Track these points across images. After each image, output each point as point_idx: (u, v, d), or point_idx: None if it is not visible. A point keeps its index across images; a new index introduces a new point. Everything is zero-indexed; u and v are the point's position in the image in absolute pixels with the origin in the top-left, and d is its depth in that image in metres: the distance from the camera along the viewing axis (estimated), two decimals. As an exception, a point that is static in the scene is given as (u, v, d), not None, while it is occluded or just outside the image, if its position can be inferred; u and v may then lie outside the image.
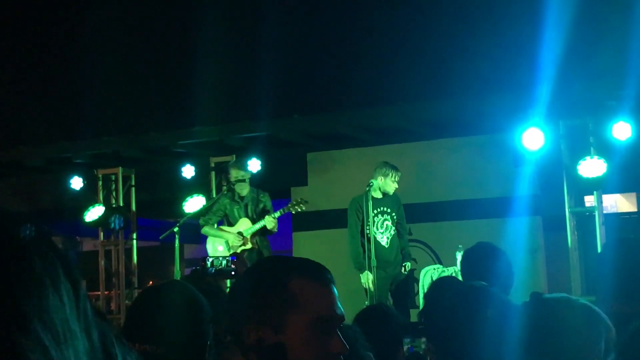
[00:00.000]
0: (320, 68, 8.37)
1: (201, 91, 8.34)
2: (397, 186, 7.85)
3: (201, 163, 9.69)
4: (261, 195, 8.29)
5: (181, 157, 9.83)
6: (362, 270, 7.65)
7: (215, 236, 8.33)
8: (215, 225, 8.45)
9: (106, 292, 10.19)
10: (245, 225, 8.16)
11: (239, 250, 8.13)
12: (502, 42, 7.51)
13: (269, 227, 8.00)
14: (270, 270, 1.70)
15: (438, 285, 3.72)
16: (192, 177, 9.57)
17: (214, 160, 9.79)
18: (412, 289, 7.98)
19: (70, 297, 0.84)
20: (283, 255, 1.68)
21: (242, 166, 8.30)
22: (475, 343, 2.04)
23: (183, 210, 9.15)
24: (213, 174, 9.77)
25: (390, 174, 7.78)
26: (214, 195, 9.42)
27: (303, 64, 8.46)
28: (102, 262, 10.25)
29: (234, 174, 8.26)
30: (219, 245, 8.32)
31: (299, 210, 8.04)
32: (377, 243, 7.64)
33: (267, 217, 8.00)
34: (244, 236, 8.12)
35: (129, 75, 9.07)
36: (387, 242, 7.80)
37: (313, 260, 1.74)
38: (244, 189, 8.23)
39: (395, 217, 7.85)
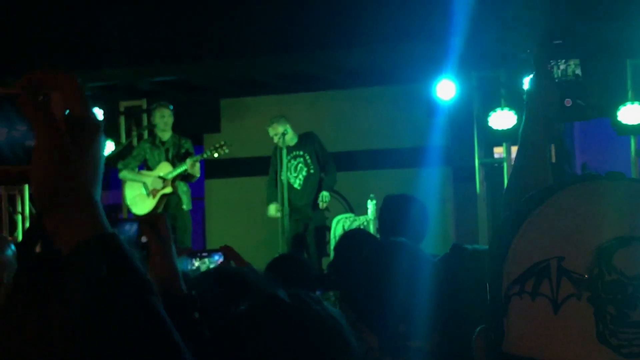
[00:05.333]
0: (235, 12, 8.19)
1: (111, 31, 8.04)
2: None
3: (110, 107, 9.40)
4: (183, 140, 8.15)
5: (89, 99, 9.51)
6: (269, 202, 7.85)
7: (133, 180, 8.14)
8: (136, 170, 8.27)
9: (10, 238, 9.88)
10: (165, 169, 8.01)
11: (158, 195, 7.97)
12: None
13: (190, 170, 7.88)
14: None
15: (347, 238, 3.72)
16: (100, 121, 9.27)
17: (123, 104, 9.53)
18: (324, 237, 8.03)
19: None
20: None
21: (168, 110, 8.11)
22: (388, 297, 2.02)
23: (90, 155, 8.89)
24: (122, 118, 9.51)
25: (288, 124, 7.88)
26: (123, 141, 9.19)
27: (216, 7, 8.26)
28: (5, 207, 9.91)
29: (159, 116, 8.08)
30: (137, 190, 8.14)
31: (222, 153, 7.96)
32: (289, 186, 7.73)
33: (188, 159, 7.89)
34: (165, 179, 7.96)
35: (33, 9, 8.66)
36: (300, 185, 7.88)
37: None
38: (166, 134, 8.07)
39: (309, 158, 7.91)
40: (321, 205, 7.80)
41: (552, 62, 1.63)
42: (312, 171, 7.92)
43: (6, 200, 9.92)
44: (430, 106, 8.40)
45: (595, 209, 0.86)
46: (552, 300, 0.84)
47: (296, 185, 7.87)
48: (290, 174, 7.85)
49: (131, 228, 1.70)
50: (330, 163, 8.02)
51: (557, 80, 1.63)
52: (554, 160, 8.11)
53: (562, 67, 1.63)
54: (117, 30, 7.94)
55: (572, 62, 1.64)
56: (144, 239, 1.67)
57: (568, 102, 1.61)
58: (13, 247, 2.47)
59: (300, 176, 7.90)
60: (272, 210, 7.84)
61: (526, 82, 7.47)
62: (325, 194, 7.81)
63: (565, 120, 1.67)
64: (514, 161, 1.74)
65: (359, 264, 2.21)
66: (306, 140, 7.99)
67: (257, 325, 1.36)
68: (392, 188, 7.38)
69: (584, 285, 0.83)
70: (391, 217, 4.00)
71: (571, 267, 0.84)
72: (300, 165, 7.92)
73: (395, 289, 2.03)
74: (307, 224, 7.85)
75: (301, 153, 7.94)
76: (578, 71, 1.64)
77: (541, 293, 0.85)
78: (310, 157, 7.93)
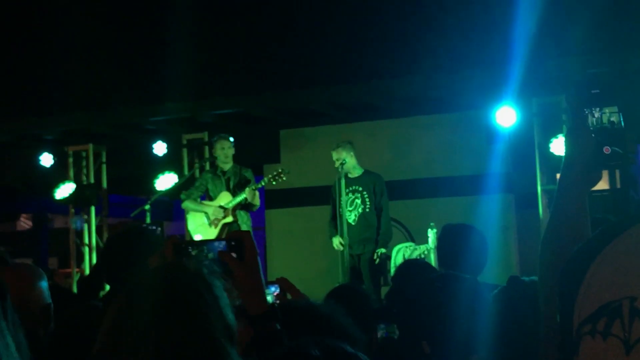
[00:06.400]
0: (293, 44, 8.30)
1: (173, 67, 8.23)
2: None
3: (173, 140, 9.60)
4: (243, 170, 8.23)
5: (152, 133, 9.74)
6: (331, 237, 7.79)
7: (195, 210, 8.26)
8: (198, 201, 8.39)
9: (77, 270, 10.12)
10: (226, 199, 8.11)
11: (220, 225, 8.07)
12: (475, 19, 7.48)
13: (250, 199, 7.93)
14: None
15: (405, 269, 3.70)
16: (164, 154, 9.49)
17: (185, 137, 9.70)
18: (384, 266, 7.98)
19: None
20: None
21: (228, 142, 8.22)
22: (444, 332, 2.02)
23: (154, 187, 9.08)
24: (185, 151, 9.68)
25: (352, 151, 7.80)
26: (186, 173, 9.35)
27: (274, 40, 8.39)
28: (73, 239, 10.16)
29: (220, 148, 8.19)
30: (199, 220, 8.26)
31: (280, 180, 8.01)
32: (345, 221, 7.67)
33: (247, 188, 7.95)
34: (225, 208, 8.05)
35: (99, 50, 8.93)
36: (354, 220, 7.78)
37: None
38: (227, 164, 8.18)
39: (366, 195, 7.81)
40: (377, 261, 7.69)
41: (587, 110, 1.62)
42: (367, 210, 7.77)
43: (73, 233, 10.17)
44: (490, 133, 8.34)
45: None
46: (624, 341, 0.82)
47: (350, 221, 7.75)
48: (347, 207, 7.77)
49: (219, 246, 1.82)
50: (384, 212, 7.82)
51: (592, 128, 1.62)
52: (619, 186, 7.95)
53: (596, 114, 1.62)
54: (179, 66, 8.12)
55: (607, 110, 1.62)
56: (232, 256, 1.83)
57: (607, 150, 1.59)
58: (46, 278, 2.60)
59: (356, 212, 7.79)
60: (335, 243, 7.79)
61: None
62: (382, 251, 7.70)
63: (604, 167, 1.64)
64: (551, 211, 1.71)
65: (413, 297, 2.21)
66: (369, 179, 7.86)
67: None
68: (452, 216, 7.32)
69: None
70: (450, 247, 3.97)
71: None
72: (357, 201, 7.82)
73: (444, 322, 2.02)
74: (360, 257, 7.77)
75: (360, 189, 7.82)
76: (614, 118, 1.62)
77: (613, 333, 0.83)
78: (369, 196, 7.78)
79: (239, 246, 1.83)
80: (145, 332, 1.33)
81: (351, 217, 7.77)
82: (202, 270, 1.44)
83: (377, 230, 7.79)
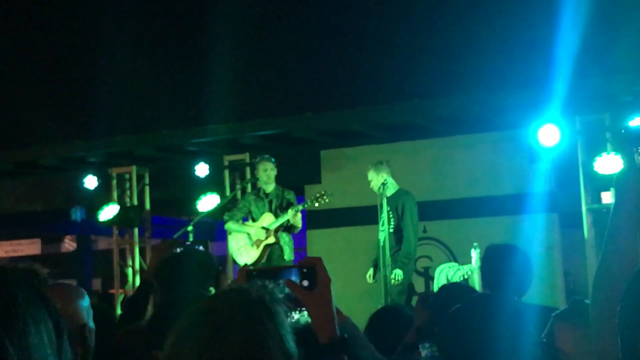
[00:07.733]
0: (334, 65, 8.34)
1: (215, 89, 8.33)
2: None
3: (215, 161, 9.68)
4: (286, 192, 8.24)
5: (195, 155, 9.84)
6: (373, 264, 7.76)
7: (238, 231, 8.29)
8: (240, 222, 8.42)
9: (121, 291, 10.22)
10: (268, 220, 8.13)
11: (262, 245, 8.09)
12: (518, 38, 7.45)
13: (292, 220, 7.92)
14: None
15: (445, 292, 3.67)
16: (206, 175, 9.57)
17: (227, 159, 9.77)
18: (427, 287, 7.91)
19: (51, 337, 0.98)
20: None
21: (270, 163, 8.24)
22: (484, 354, 1.99)
23: (196, 208, 9.15)
24: (226, 172, 9.75)
25: (384, 171, 7.69)
26: (228, 194, 9.41)
27: (316, 61, 8.44)
28: (117, 261, 10.28)
29: (262, 169, 8.22)
30: (241, 241, 8.29)
31: (322, 202, 7.99)
32: (378, 242, 7.59)
33: (290, 209, 7.94)
34: (267, 229, 8.07)
35: (142, 74, 9.08)
36: (383, 241, 7.63)
37: None
38: (269, 186, 8.21)
39: (392, 215, 7.68)
40: (393, 282, 7.40)
41: (634, 149, 1.61)
42: (391, 230, 7.58)
43: (117, 254, 10.29)
44: (532, 152, 8.25)
45: None
46: None
47: (381, 241, 7.63)
48: (380, 228, 7.66)
49: (290, 274, 1.80)
50: (405, 232, 7.58)
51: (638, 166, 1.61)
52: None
53: None
54: (220, 89, 8.21)
55: None
56: (305, 283, 1.79)
57: None
58: (87, 298, 2.62)
59: (385, 233, 7.61)
60: (367, 275, 7.71)
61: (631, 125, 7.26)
62: (398, 272, 7.41)
63: None
64: (602, 251, 1.69)
65: (450, 319, 2.19)
66: (397, 197, 7.69)
67: None
68: (495, 236, 7.24)
69: None
70: (494, 268, 3.93)
71: None
72: (384, 220, 7.68)
73: (488, 346, 2.00)
74: (389, 279, 7.62)
75: (388, 209, 7.65)
76: None
77: None
78: (394, 216, 7.62)
79: (311, 273, 1.80)
80: (200, 358, 1.32)
81: (381, 237, 7.63)
82: (264, 296, 1.41)
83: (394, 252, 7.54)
